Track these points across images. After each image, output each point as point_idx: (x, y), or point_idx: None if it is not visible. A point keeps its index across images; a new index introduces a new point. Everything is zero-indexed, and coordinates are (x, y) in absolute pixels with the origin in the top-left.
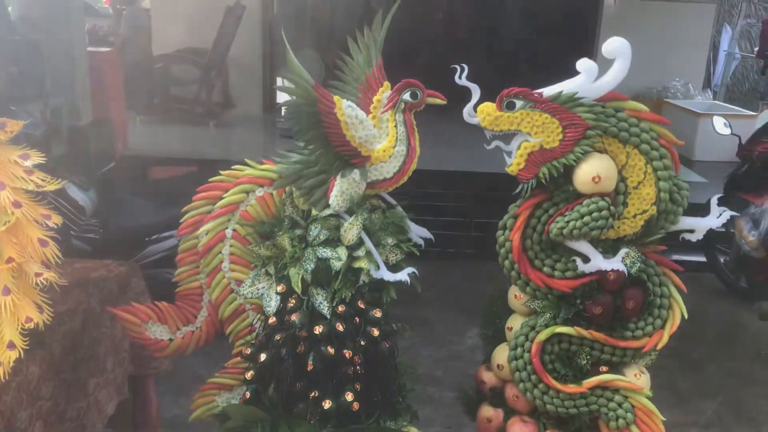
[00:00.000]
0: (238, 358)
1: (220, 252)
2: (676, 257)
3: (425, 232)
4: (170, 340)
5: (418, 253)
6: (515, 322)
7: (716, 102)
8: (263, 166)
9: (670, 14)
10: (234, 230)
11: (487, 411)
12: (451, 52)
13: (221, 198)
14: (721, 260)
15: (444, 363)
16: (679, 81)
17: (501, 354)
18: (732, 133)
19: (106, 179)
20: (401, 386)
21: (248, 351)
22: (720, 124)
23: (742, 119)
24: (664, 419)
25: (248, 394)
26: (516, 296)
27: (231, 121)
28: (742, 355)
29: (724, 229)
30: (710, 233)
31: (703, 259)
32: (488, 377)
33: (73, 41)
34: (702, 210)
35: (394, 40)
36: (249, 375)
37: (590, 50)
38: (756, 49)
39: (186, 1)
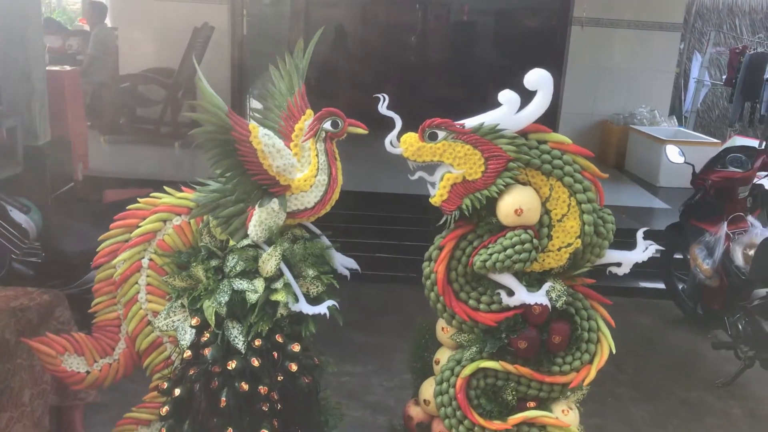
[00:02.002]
0: (156, 392)
1: (137, 282)
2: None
3: (351, 263)
4: (87, 372)
5: (338, 286)
6: (442, 356)
7: (681, 129)
8: (181, 194)
9: (637, 41)
10: (151, 260)
11: None
12: (422, 76)
13: (138, 226)
14: (680, 287)
15: (395, 392)
16: (645, 107)
17: (428, 389)
18: (685, 162)
19: (60, 201)
20: (324, 423)
21: (164, 385)
22: (674, 153)
23: (706, 146)
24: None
25: (164, 431)
26: (443, 329)
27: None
28: (697, 384)
29: (681, 257)
30: (669, 260)
31: (662, 285)
32: (416, 412)
33: (30, 60)
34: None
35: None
36: (164, 411)
37: (557, 76)
38: (724, 76)
39: (153, 21)
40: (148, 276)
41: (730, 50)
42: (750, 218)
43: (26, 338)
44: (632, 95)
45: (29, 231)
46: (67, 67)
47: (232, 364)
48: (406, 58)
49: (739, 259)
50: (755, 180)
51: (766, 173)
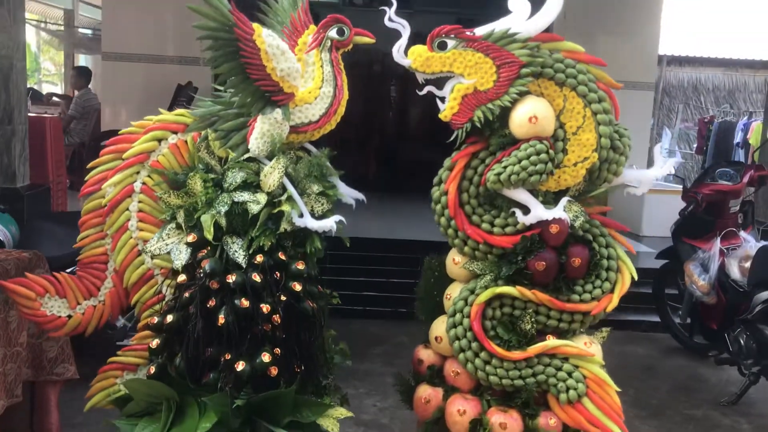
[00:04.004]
0: (144, 333)
1: (128, 208)
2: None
3: (358, 194)
4: (69, 316)
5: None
6: (454, 290)
7: (660, 182)
8: (177, 111)
9: None
10: (144, 183)
11: (424, 390)
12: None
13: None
14: (675, 320)
15: (390, 411)
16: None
17: (439, 326)
18: (675, 176)
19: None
20: (329, 360)
21: (155, 320)
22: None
23: None
24: (618, 389)
25: (153, 369)
26: (454, 260)
27: None
28: (701, 403)
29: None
30: (662, 294)
31: (656, 318)
32: (426, 355)
33: (12, 101)
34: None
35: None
36: (154, 343)
37: None
38: (695, 145)
39: (137, 78)
40: (140, 202)
41: (698, 120)
42: (742, 233)
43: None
44: None
45: (5, 242)
46: (49, 114)
47: (231, 278)
48: None
49: (735, 273)
50: (745, 196)
51: (754, 188)
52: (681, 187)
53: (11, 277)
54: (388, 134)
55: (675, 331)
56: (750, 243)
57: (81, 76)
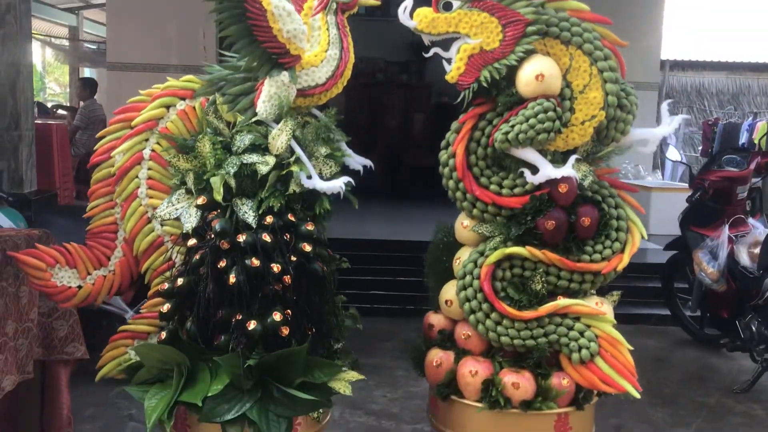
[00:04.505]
0: (154, 300)
1: (137, 176)
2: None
3: (365, 160)
4: (79, 287)
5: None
6: (463, 254)
7: (666, 181)
8: (185, 77)
9: None
10: (153, 150)
11: (435, 354)
12: None
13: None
14: (686, 313)
15: (400, 402)
16: (629, 163)
17: (449, 289)
18: (682, 162)
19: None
20: (340, 323)
21: (165, 286)
22: (673, 152)
23: None
24: (631, 348)
25: (163, 335)
26: (462, 224)
27: None
28: (713, 391)
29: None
30: (672, 288)
31: (666, 312)
32: (436, 320)
33: (19, 107)
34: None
35: None
36: (165, 307)
37: None
38: (700, 148)
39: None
40: (149, 169)
41: (703, 123)
42: (751, 220)
43: (10, 252)
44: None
45: None
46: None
47: (242, 237)
48: None
49: (745, 259)
50: (752, 182)
51: (761, 176)
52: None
53: (21, 249)
54: (392, 141)
55: (685, 324)
56: (758, 229)
57: (86, 87)
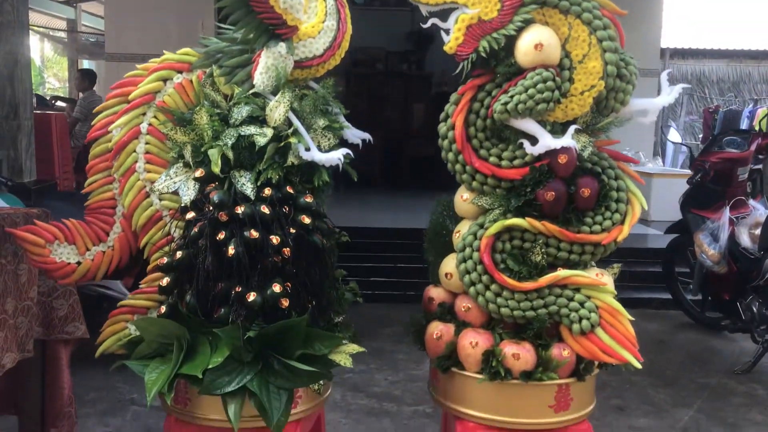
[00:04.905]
0: (154, 275)
1: (134, 150)
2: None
3: (363, 134)
4: (78, 263)
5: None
6: (463, 227)
7: (667, 167)
8: (182, 50)
9: None
10: (150, 125)
11: (435, 327)
12: None
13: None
14: (687, 297)
15: (402, 384)
16: (630, 150)
17: (449, 262)
18: (683, 144)
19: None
20: (341, 296)
21: (164, 261)
22: (674, 134)
23: None
24: (631, 319)
25: (163, 310)
26: (462, 197)
27: None
28: (715, 373)
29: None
30: (672, 272)
31: (667, 296)
32: (436, 293)
33: (18, 96)
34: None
35: None
36: (165, 281)
37: None
38: (701, 136)
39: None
40: (147, 143)
41: (704, 110)
42: (751, 201)
43: (8, 229)
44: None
45: None
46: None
47: (240, 209)
48: None
49: (746, 240)
50: (753, 164)
51: (762, 156)
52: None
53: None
54: (391, 131)
55: (686, 307)
56: (759, 210)
57: (85, 78)
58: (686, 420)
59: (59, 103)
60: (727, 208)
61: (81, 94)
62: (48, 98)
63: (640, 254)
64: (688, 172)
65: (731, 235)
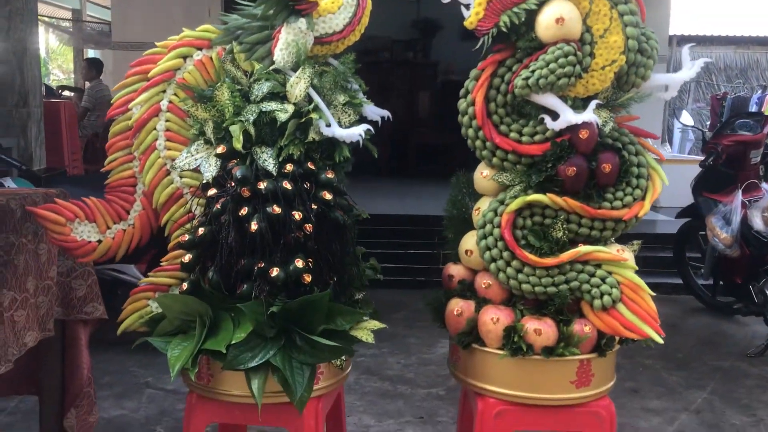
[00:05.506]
0: (175, 252)
1: (155, 128)
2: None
3: (383, 111)
4: (99, 241)
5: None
6: (483, 203)
7: (675, 153)
8: (202, 27)
9: None
10: (170, 102)
11: (456, 303)
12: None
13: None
14: (698, 282)
15: (414, 367)
16: None
17: (469, 239)
18: (694, 127)
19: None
20: (361, 273)
21: (186, 238)
22: (686, 117)
23: None
24: (653, 294)
25: (185, 287)
26: (482, 174)
27: None
28: (727, 356)
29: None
30: (683, 257)
31: (678, 281)
32: (456, 270)
33: (27, 85)
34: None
35: None
36: (187, 258)
37: None
38: (708, 123)
39: None
40: (167, 120)
41: (711, 97)
42: (764, 185)
43: (29, 207)
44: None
45: None
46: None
47: (262, 184)
48: None
49: (758, 223)
50: (766, 148)
51: None
52: (696, 157)
53: (39, 204)
54: (397, 120)
55: (698, 292)
56: None
57: (92, 67)
58: (700, 402)
59: (66, 93)
60: (740, 191)
61: (87, 84)
62: (55, 88)
63: (649, 239)
64: (696, 157)
65: (744, 219)
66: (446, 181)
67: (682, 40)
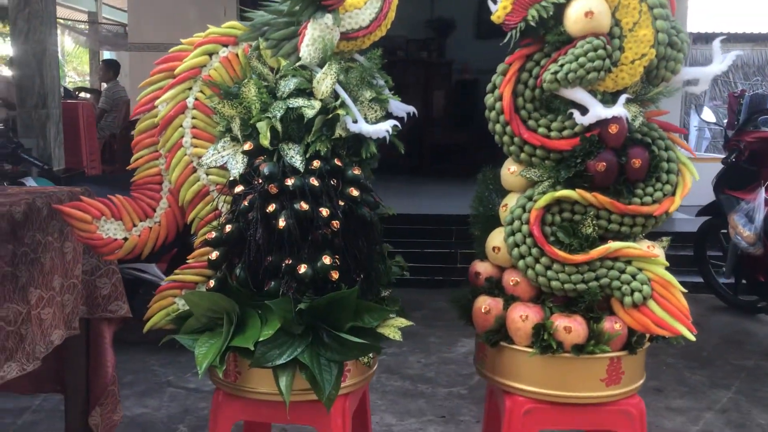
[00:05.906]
0: (202, 250)
1: (181, 125)
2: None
3: (408, 107)
4: (125, 239)
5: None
6: (510, 200)
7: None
8: (228, 23)
9: None
10: (196, 99)
11: (483, 301)
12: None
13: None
14: (720, 280)
15: (435, 366)
16: None
17: (497, 236)
18: (716, 123)
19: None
20: (387, 269)
21: (213, 235)
22: (708, 113)
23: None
24: (684, 290)
25: (212, 284)
26: (509, 170)
27: None
28: (751, 355)
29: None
30: (704, 255)
31: (699, 279)
32: (483, 267)
33: (46, 86)
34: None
35: None
36: (214, 255)
37: None
38: (725, 121)
39: None
40: (193, 118)
41: (729, 95)
42: None
43: (55, 205)
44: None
45: None
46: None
47: (290, 181)
48: None
49: None
50: None
51: None
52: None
53: (64, 202)
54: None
55: (719, 291)
56: None
57: (109, 68)
58: (725, 401)
59: (83, 95)
60: (763, 188)
61: (104, 85)
62: (72, 90)
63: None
64: (714, 155)
65: (767, 216)
66: (461, 180)
67: (699, 38)
